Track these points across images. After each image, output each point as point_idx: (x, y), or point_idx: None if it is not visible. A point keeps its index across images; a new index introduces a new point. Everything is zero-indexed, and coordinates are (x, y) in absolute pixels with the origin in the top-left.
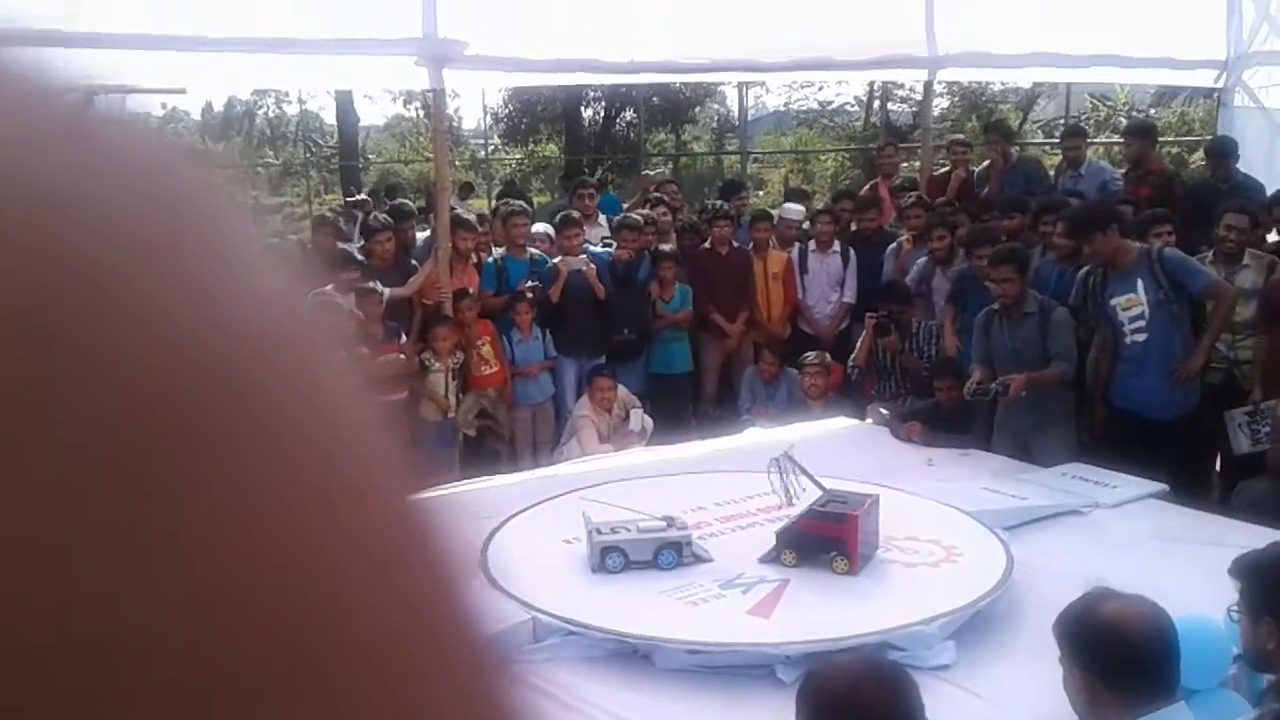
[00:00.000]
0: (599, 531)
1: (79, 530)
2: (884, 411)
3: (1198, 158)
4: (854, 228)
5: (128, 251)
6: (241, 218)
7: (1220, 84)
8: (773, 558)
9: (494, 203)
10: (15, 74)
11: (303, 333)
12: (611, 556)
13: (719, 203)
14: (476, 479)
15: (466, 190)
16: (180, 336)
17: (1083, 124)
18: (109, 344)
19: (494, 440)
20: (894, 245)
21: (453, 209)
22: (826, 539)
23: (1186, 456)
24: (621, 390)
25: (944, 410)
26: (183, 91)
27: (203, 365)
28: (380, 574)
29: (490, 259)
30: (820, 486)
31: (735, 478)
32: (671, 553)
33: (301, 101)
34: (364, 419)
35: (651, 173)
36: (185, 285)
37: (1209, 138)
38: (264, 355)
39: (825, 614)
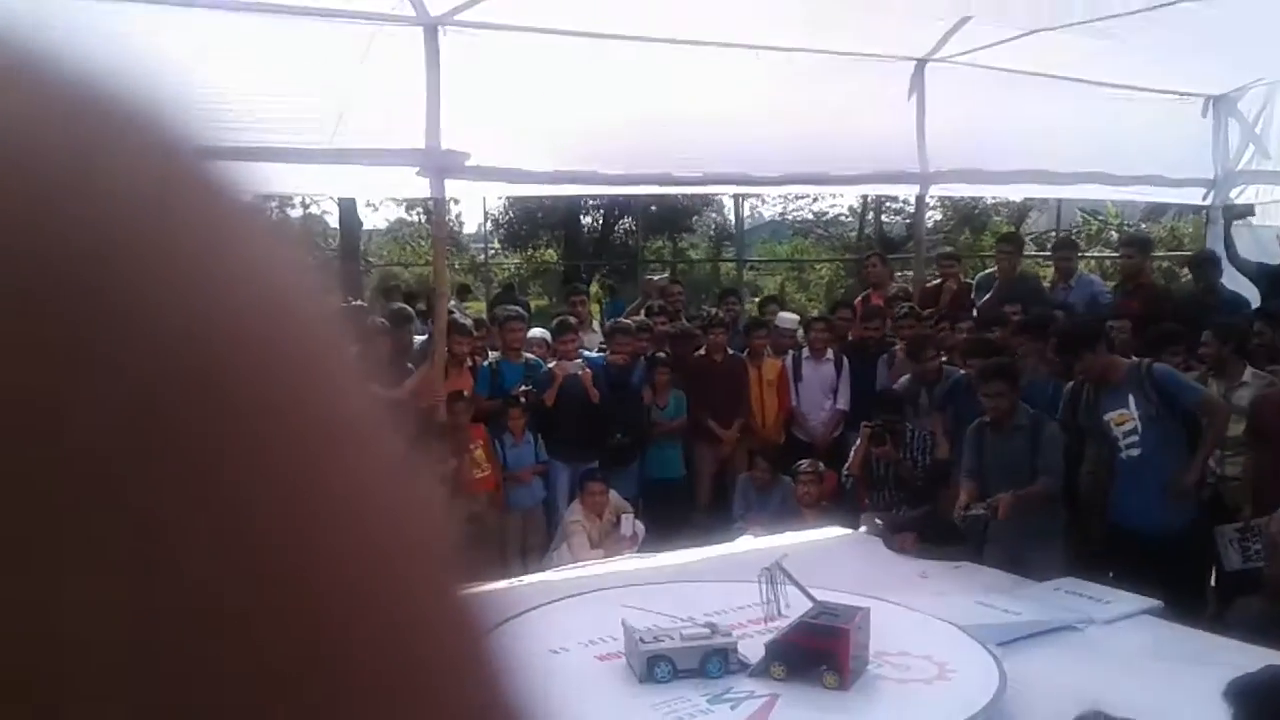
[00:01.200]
0: (643, 640)
1: (78, 529)
2: (878, 521)
3: (1188, 272)
4: (850, 337)
5: (129, 240)
6: (248, 207)
7: (1208, 201)
8: (761, 670)
9: (490, 306)
10: (9, 63)
11: (315, 325)
12: (660, 666)
13: (714, 310)
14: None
15: (464, 293)
16: (188, 328)
17: (1074, 237)
18: (111, 336)
19: (483, 545)
20: (886, 355)
21: (450, 312)
22: (817, 652)
23: (1181, 572)
24: (613, 495)
25: (938, 520)
26: None
27: (209, 357)
28: (389, 569)
29: (485, 363)
30: (811, 598)
31: (726, 587)
32: (719, 660)
33: (305, 206)
34: (374, 415)
35: (655, 277)
36: (193, 273)
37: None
38: (273, 346)
39: None
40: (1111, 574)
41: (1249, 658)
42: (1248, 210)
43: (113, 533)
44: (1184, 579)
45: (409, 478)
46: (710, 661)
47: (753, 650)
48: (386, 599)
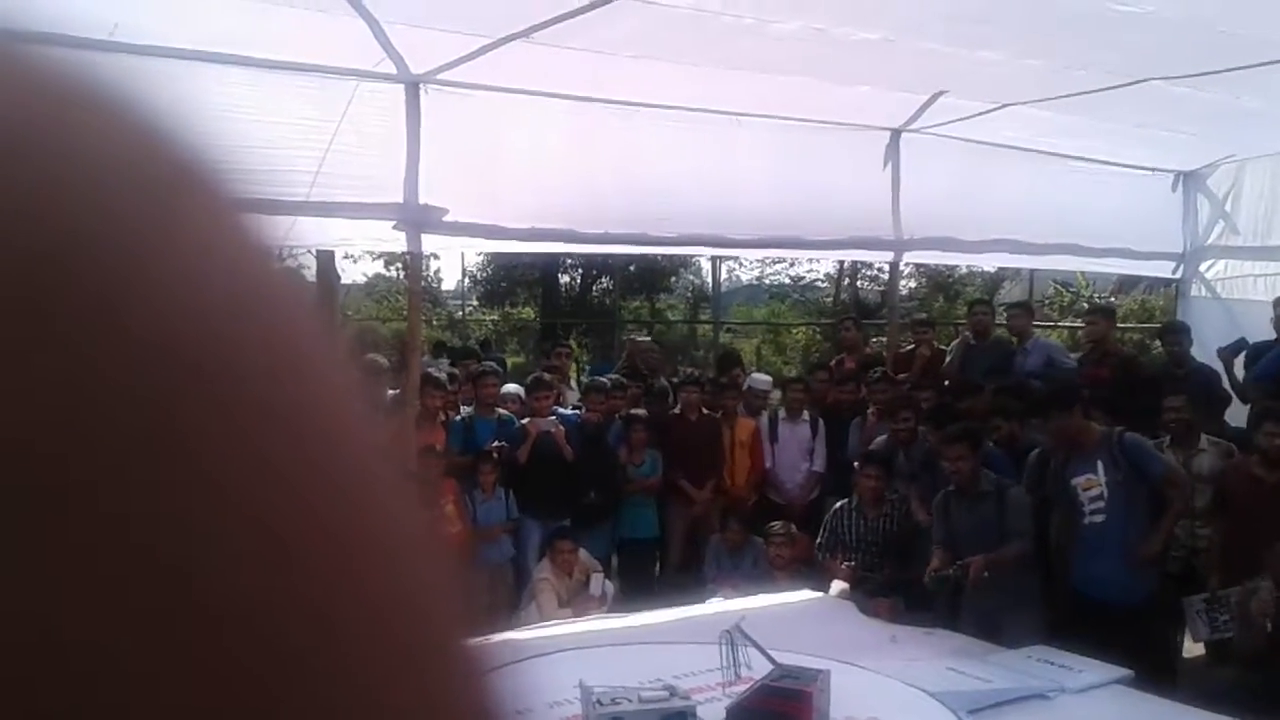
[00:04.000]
0: (600, 703)
1: (59, 529)
2: (845, 567)
3: (1158, 345)
4: (826, 400)
5: (116, 235)
6: (235, 205)
7: (1178, 274)
8: None
9: (456, 359)
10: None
11: (301, 322)
12: None
13: (692, 370)
14: None
15: (439, 349)
16: (169, 324)
17: (1046, 308)
18: (94, 331)
19: None
20: (858, 419)
21: (426, 368)
22: (779, 715)
23: (1148, 642)
24: (583, 554)
25: (911, 584)
26: None
27: (193, 353)
28: (379, 566)
29: (458, 417)
30: (771, 660)
31: (692, 649)
32: None
33: (282, 258)
34: (356, 410)
35: (639, 338)
36: (176, 269)
37: None
38: (254, 343)
39: None
40: (1079, 643)
41: None
42: (1242, 345)
43: (94, 531)
44: (1149, 649)
45: (399, 482)
46: None
47: (713, 714)
48: (379, 601)
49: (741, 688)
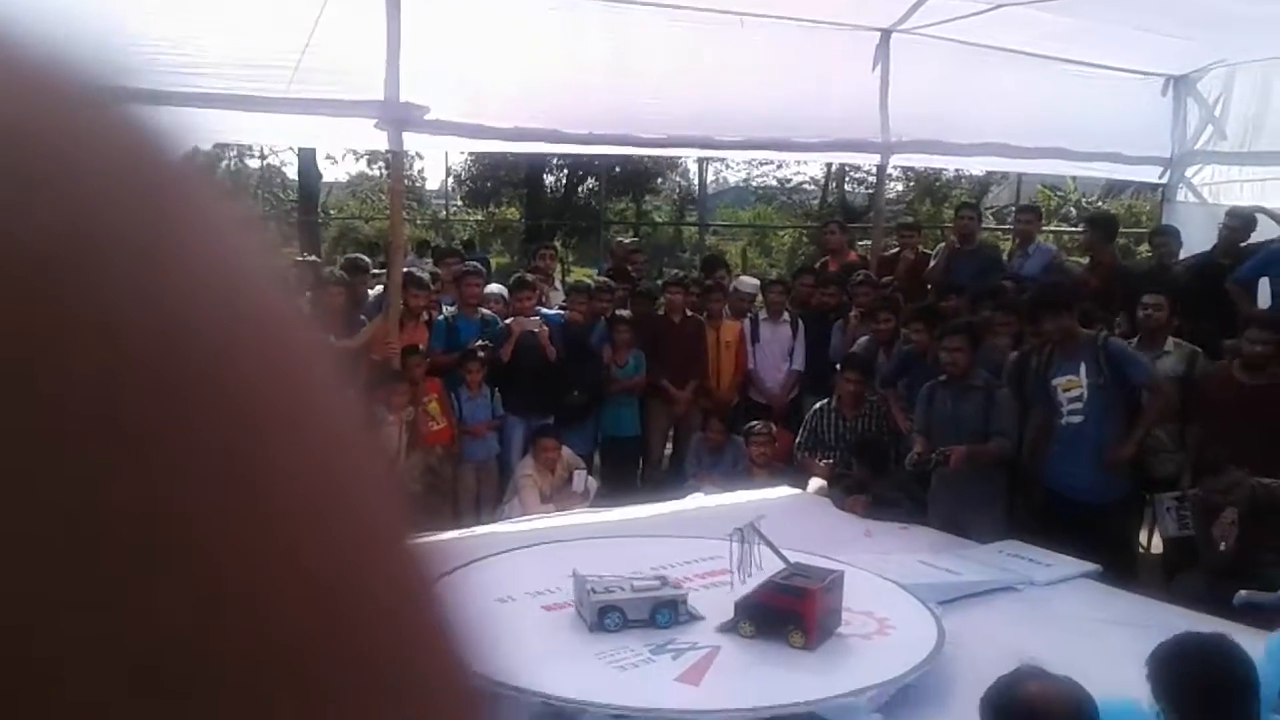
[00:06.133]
0: (594, 591)
1: (44, 535)
2: (823, 464)
3: (1144, 249)
4: (810, 302)
5: (104, 242)
6: (227, 209)
7: (1165, 180)
8: (730, 628)
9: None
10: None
11: (292, 331)
12: (610, 616)
13: (677, 271)
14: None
15: (423, 248)
16: (157, 332)
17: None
18: (78, 343)
19: (437, 497)
20: (839, 320)
21: (410, 268)
22: (785, 612)
23: (1117, 540)
24: (565, 451)
25: (886, 482)
26: None
27: (181, 363)
28: (363, 580)
29: (441, 317)
30: (784, 559)
31: (674, 542)
32: (668, 612)
33: (263, 156)
34: (350, 424)
35: (626, 239)
36: (167, 277)
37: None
38: (247, 353)
39: (754, 683)
40: (1047, 540)
41: (1185, 622)
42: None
43: (81, 536)
44: (1116, 547)
45: (389, 492)
46: (660, 613)
47: (701, 604)
48: (363, 617)
49: (748, 582)
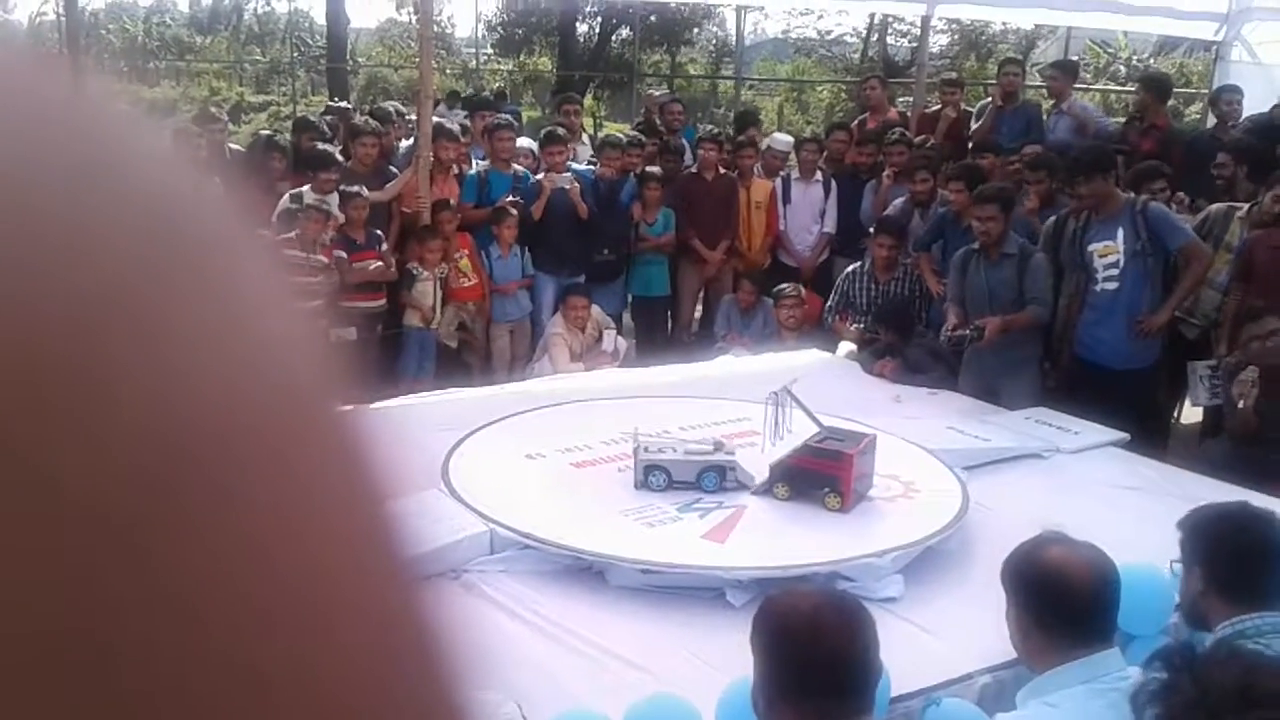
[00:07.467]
0: (645, 450)
1: (58, 581)
2: (853, 328)
3: (1193, 110)
4: (846, 160)
5: (127, 288)
6: (256, 253)
7: (1219, 37)
8: (765, 490)
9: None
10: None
11: (311, 388)
12: (655, 475)
13: (710, 127)
14: (448, 390)
15: (454, 99)
16: (175, 390)
17: (1081, 69)
18: (98, 395)
19: (470, 353)
20: (873, 181)
21: (440, 119)
22: (821, 475)
23: (1146, 407)
24: (595, 310)
25: (916, 347)
26: None
27: (200, 422)
28: (373, 656)
29: (472, 171)
30: (818, 423)
31: (702, 404)
32: (714, 475)
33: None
34: (369, 480)
35: (656, 93)
36: (187, 328)
37: (1205, 92)
38: (268, 412)
39: (778, 541)
40: (1077, 406)
41: (1209, 490)
42: None
43: (99, 585)
44: (1146, 415)
45: (402, 551)
46: (706, 476)
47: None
48: (376, 680)
49: (783, 444)
